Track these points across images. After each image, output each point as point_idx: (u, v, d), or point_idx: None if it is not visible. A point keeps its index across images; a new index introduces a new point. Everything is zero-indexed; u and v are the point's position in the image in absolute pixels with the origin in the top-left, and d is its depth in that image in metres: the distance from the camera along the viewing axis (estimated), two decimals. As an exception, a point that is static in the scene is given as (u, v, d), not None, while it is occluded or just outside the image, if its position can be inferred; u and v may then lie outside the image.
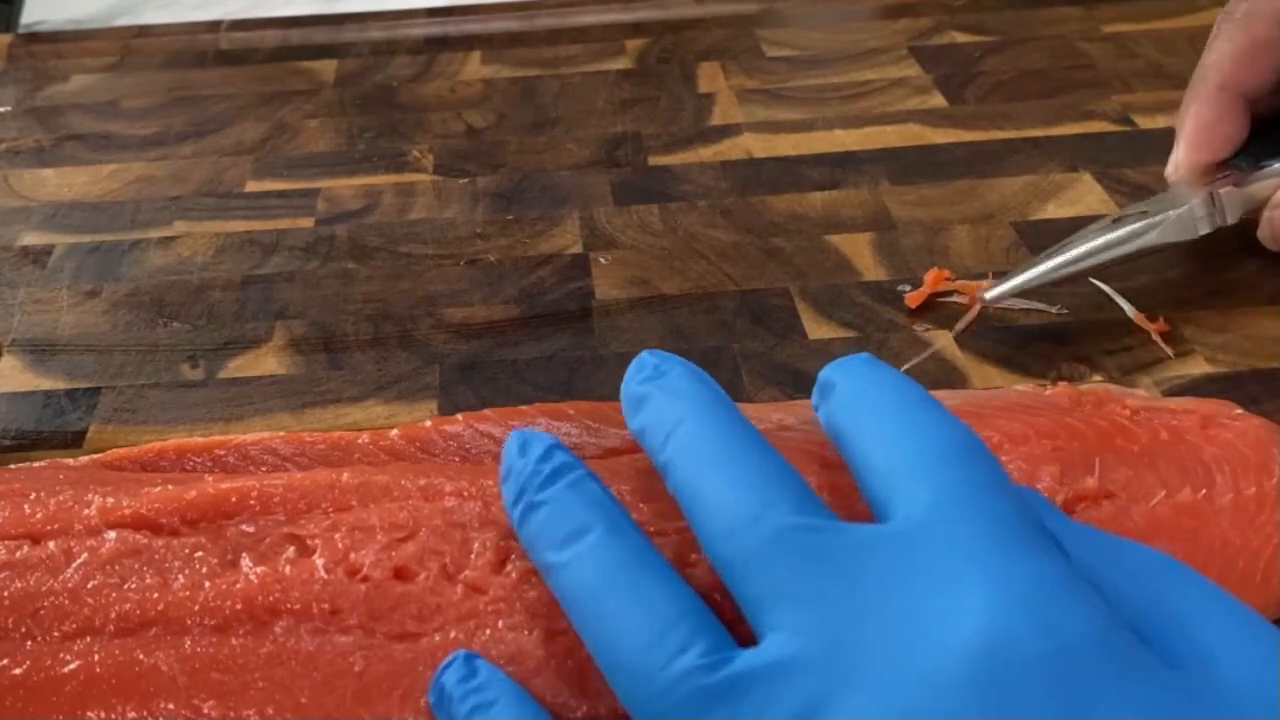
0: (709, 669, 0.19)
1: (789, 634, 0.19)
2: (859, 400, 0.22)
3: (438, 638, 0.22)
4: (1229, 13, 0.33)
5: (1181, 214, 0.31)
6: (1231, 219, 0.32)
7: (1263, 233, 0.32)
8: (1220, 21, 0.33)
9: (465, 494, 0.24)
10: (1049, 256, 0.31)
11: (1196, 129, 0.33)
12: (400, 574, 0.23)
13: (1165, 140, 0.35)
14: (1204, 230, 0.32)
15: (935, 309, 0.34)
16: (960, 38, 0.49)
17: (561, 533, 0.21)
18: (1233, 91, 0.32)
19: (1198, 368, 0.32)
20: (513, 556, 0.23)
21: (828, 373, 0.23)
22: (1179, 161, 0.33)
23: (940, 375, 0.32)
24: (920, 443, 0.20)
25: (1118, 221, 0.31)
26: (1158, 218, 0.31)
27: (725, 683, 0.18)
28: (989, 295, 0.31)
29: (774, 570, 0.19)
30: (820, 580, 0.19)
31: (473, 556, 0.23)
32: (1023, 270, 0.31)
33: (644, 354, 0.24)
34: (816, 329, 0.34)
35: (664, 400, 0.23)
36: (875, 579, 0.19)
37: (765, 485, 0.20)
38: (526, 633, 0.22)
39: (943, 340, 0.33)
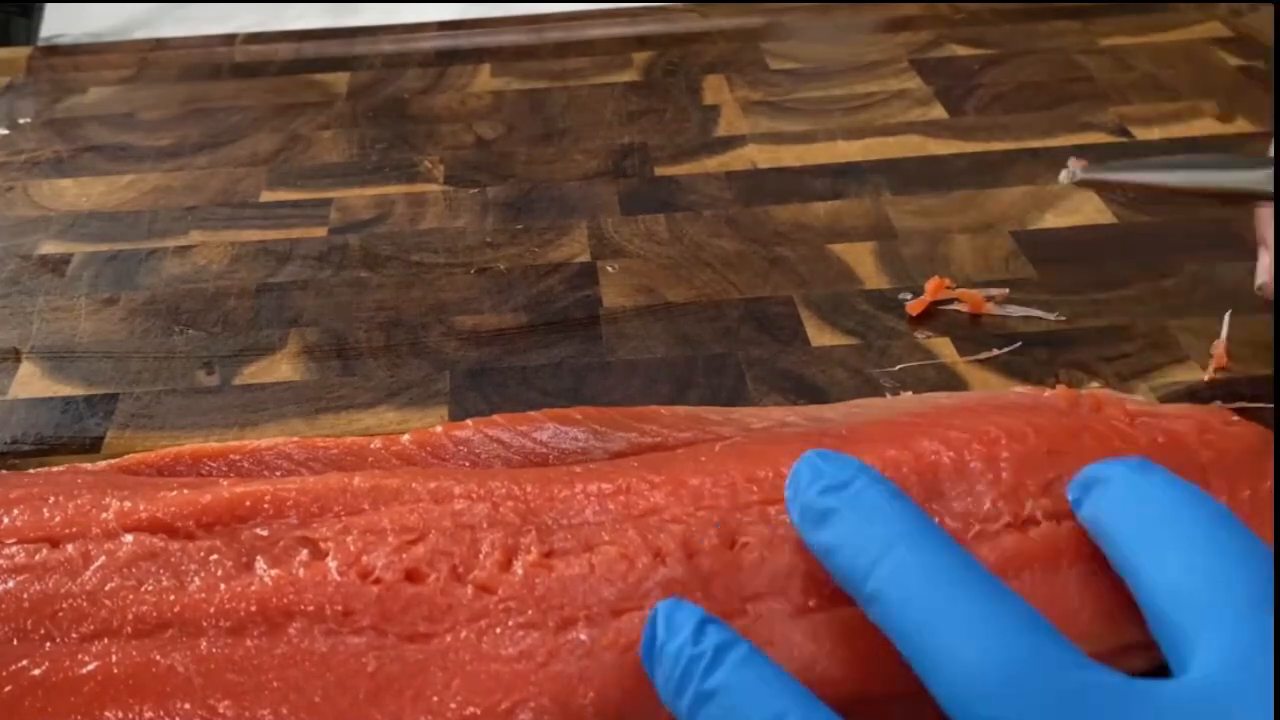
0: None
1: None
2: (1138, 507, 0.21)
3: (449, 638, 0.23)
4: None
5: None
6: None
7: None
8: None
9: (474, 496, 0.25)
10: (1147, 165, 0.28)
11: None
12: (411, 576, 0.24)
13: (1162, 150, 0.36)
14: None
15: (936, 317, 0.35)
16: (960, 51, 0.50)
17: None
18: None
19: (1193, 374, 0.32)
20: (520, 555, 0.24)
21: (1100, 469, 0.22)
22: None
23: (940, 381, 0.32)
24: (1213, 577, 0.19)
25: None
26: (1262, 167, 0.27)
27: None
28: (1070, 179, 0.28)
29: None
30: None
31: (481, 557, 0.24)
32: (1119, 167, 0.28)
33: (811, 456, 0.22)
34: (819, 336, 0.34)
35: (861, 515, 0.21)
36: None
37: (1025, 632, 0.18)
38: (536, 632, 0.23)
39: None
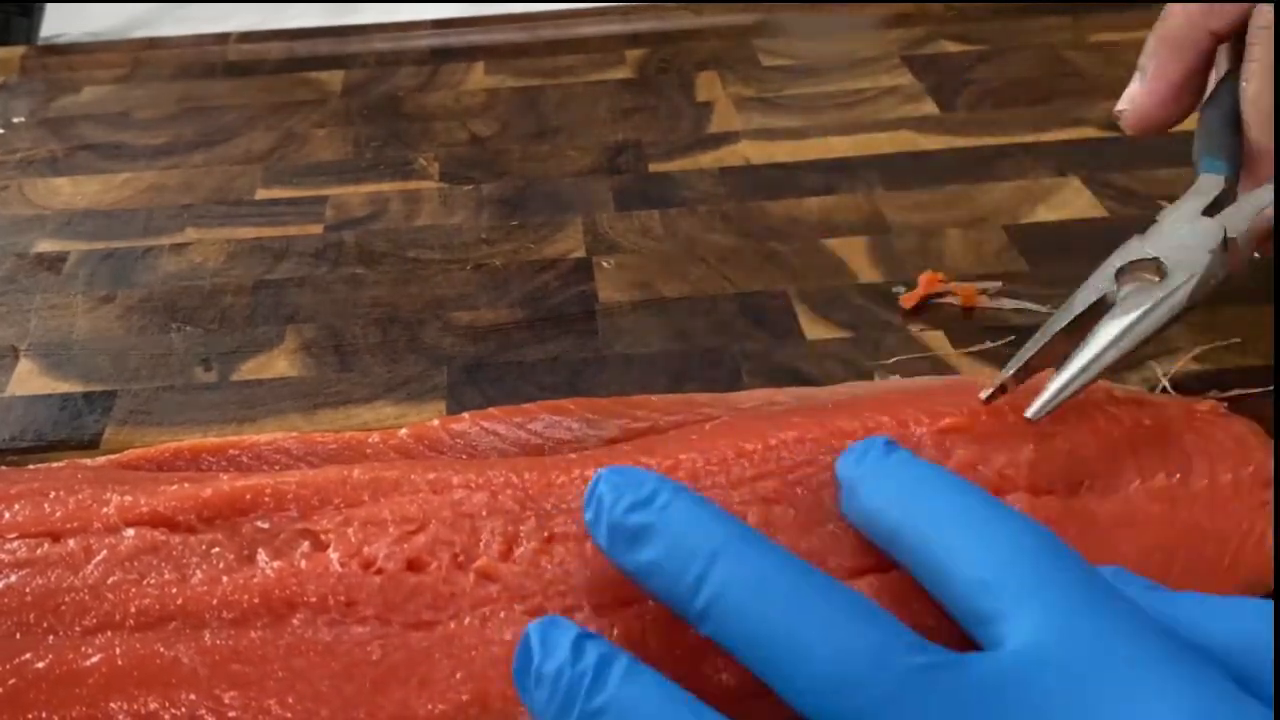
0: None
1: None
2: (907, 500, 0.21)
3: (453, 625, 0.23)
4: None
5: (1204, 273, 0.26)
6: (1239, 267, 0.28)
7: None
8: None
9: (472, 485, 0.25)
10: (1076, 355, 0.26)
11: (1161, 72, 0.30)
12: (413, 565, 0.24)
13: (1151, 145, 0.36)
14: (1219, 280, 0.27)
15: (929, 310, 0.35)
16: (951, 47, 0.50)
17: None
18: (1197, 33, 0.30)
19: (1184, 365, 0.32)
20: (521, 542, 0.24)
21: (850, 470, 0.22)
22: (1135, 99, 0.31)
23: (933, 373, 0.33)
24: (1003, 552, 0.19)
25: (1120, 279, 0.26)
26: (1181, 290, 0.26)
27: None
28: (1031, 413, 0.25)
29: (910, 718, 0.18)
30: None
31: (482, 545, 0.24)
32: (1053, 381, 0.26)
33: (607, 474, 0.22)
34: (814, 330, 0.35)
35: (677, 530, 0.20)
36: (1029, 713, 0.17)
37: (864, 623, 0.19)
38: (538, 617, 0.23)
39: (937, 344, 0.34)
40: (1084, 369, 0.25)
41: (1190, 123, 0.33)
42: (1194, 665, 0.18)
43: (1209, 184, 0.29)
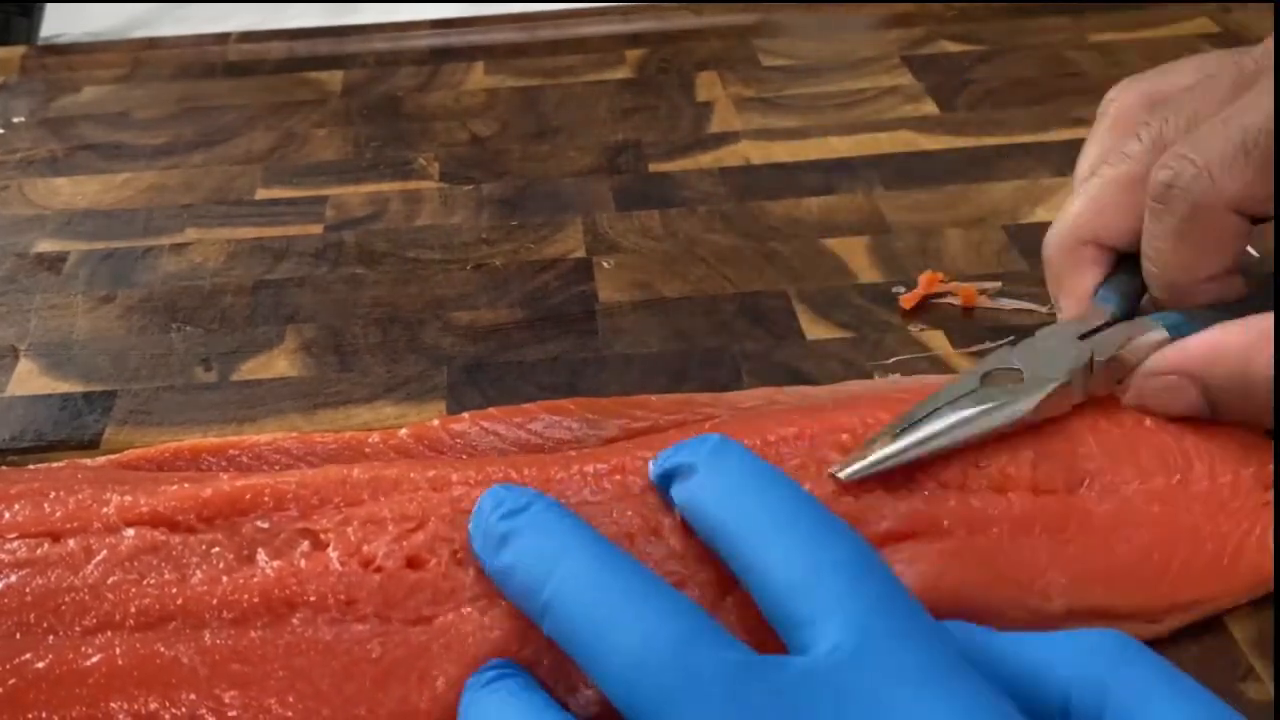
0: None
1: None
2: (732, 497, 0.22)
3: (451, 616, 0.23)
4: (1087, 175, 0.31)
5: (1056, 390, 0.27)
6: (1101, 390, 0.28)
7: (1129, 399, 0.28)
8: (1079, 182, 0.31)
9: (471, 482, 0.25)
10: (909, 430, 0.26)
11: (1069, 287, 0.30)
12: (413, 562, 0.24)
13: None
14: (1077, 401, 0.27)
15: (929, 310, 0.35)
16: (951, 47, 0.50)
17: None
18: (1093, 243, 0.30)
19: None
20: None
21: (681, 456, 0.23)
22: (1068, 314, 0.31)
23: (933, 373, 0.33)
24: (818, 559, 0.20)
25: (983, 383, 0.27)
26: (1026, 400, 0.26)
27: None
28: (843, 474, 0.25)
29: (705, 709, 0.19)
30: (758, 717, 0.19)
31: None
32: (877, 448, 0.26)
33: (495, 489, 0.24)
34: (814, 330, 0.35)
35: (535, 535, 0.22)
36: (813, 715, 0.19)
37: (677, 617, 0.20)
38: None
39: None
40: (907, 447, 0.25)
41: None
42: (975, 680, 0.19)
43: (1096, 314, 0.29)
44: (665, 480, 0.24)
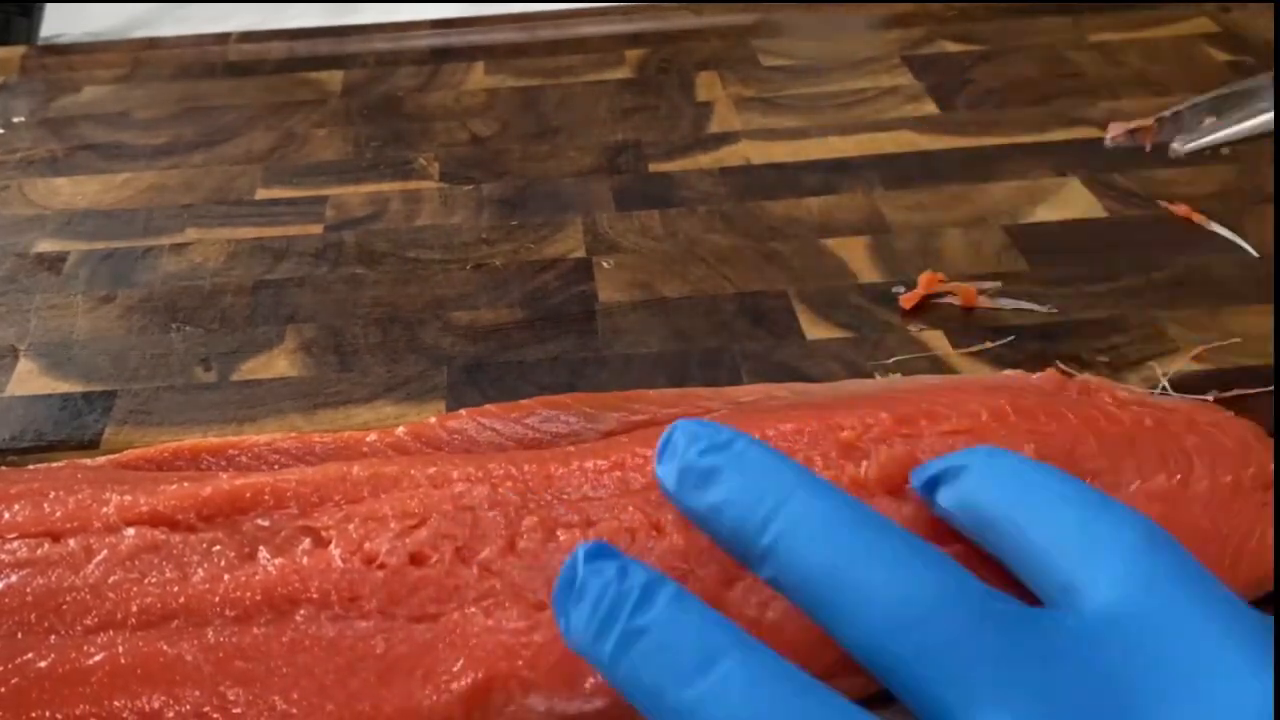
0: None
1: None
2: (1010, 483, 0.21)
3: (456, 615, 0.23)
4: None
5: None
6: None
7: None
8: None
9: (472, 478, 0.25)
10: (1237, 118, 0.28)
11: None
12: (416, 559, 0.24)
13: (1152, 146, 0.36)
14: None
15: (929, 310, 0.35)
16: (951, 47, 0.50)
17: (685, 661, 0.18)
18: None
19: (1184, 365, 0.32)
20: (523, 533, 0.24)
21: (955, 458, 0.22)
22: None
23: (933, 373, 0.33)
24: (1107, 530, 0.19)
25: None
26: None
27: None
28: (1184, 148, 0.27)
29: (982, 661, 0.17)
30: (1040, 669, 0.17)
31: (484, 537, 0.24)
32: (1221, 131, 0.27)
33: (685, 423, 0.21)
34: (814, 330, 0.35)
35: (749, 473, 0.20)
36: (1102, 667, 0.18)
37: (936, 567, 0.19)
38: (544, 611, 0.23)
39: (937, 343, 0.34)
40: (1244, 131, 0.26)
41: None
42: (1263, 631, 0.18)
43: None
44: (929, 488, 0.23)
